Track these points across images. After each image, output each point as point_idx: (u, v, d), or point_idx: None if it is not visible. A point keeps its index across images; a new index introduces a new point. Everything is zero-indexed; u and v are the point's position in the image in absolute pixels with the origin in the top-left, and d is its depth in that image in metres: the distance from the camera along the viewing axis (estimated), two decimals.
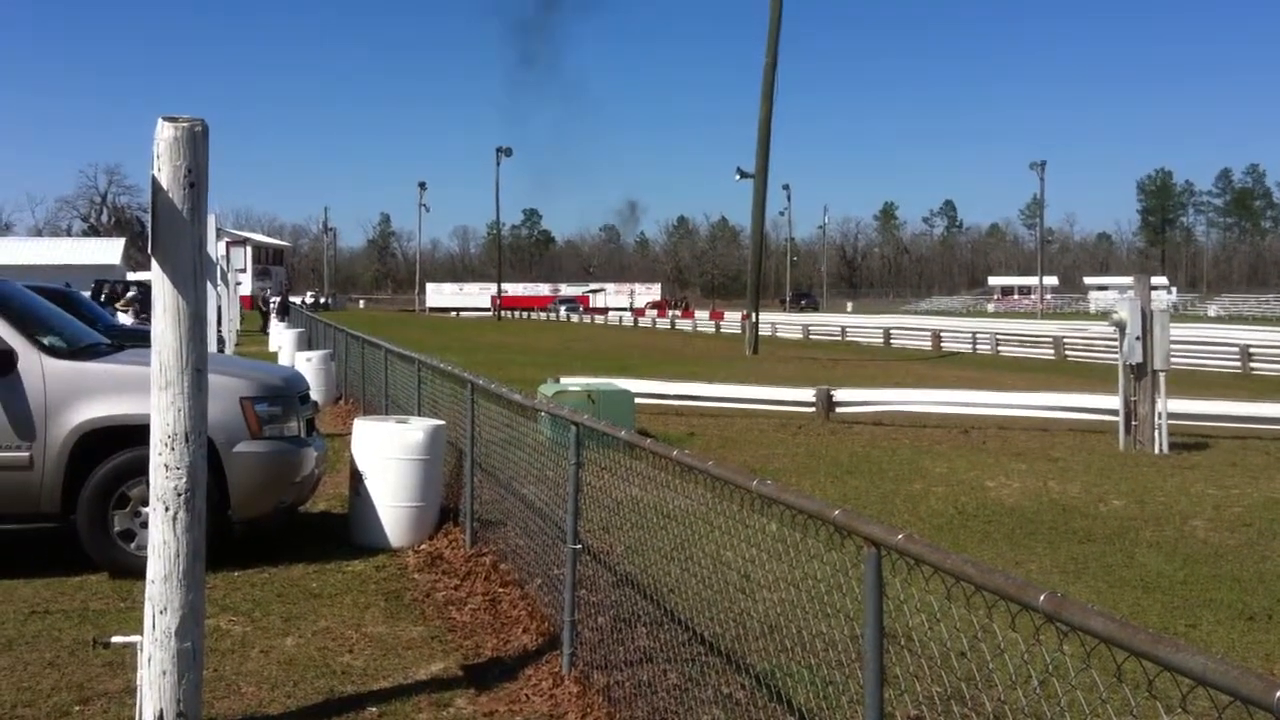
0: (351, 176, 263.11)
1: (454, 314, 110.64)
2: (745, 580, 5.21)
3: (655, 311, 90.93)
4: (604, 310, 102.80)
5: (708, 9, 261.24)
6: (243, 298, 58.34)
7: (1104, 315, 16.86)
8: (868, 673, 3.66)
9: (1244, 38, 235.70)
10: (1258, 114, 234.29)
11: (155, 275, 4.82)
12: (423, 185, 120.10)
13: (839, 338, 53.99)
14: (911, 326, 55.59)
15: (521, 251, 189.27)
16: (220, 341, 22.32)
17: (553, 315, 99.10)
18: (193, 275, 4.83)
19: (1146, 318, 15.31)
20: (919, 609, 3.71)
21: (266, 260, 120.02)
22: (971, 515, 10.91)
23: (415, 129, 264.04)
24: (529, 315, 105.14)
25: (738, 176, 44.36)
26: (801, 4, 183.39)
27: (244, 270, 79.17)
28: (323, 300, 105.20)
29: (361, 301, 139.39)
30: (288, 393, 9.19)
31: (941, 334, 47.10)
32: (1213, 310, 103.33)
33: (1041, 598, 2.91)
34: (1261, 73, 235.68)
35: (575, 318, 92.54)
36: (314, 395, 11.48)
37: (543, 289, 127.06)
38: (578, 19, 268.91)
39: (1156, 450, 14.95)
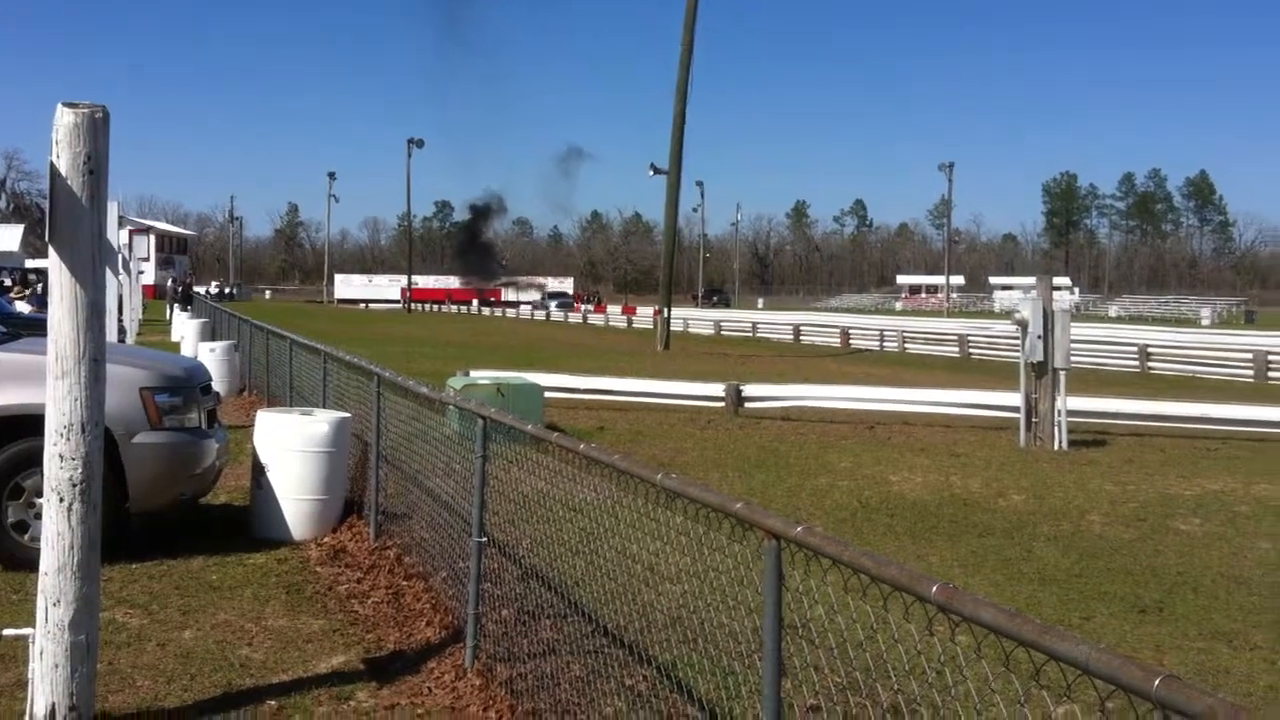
0: (260, 166, 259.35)
1: (363, 306, 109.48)
2: (650, 573, 5.23)
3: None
4: (515, 304, 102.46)
5: (624, 3, 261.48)
6: (145, 287, 57.10)
7: (1008, 314, 17.22)
8: (766, 663, 3.70)
9: (1147, 45, 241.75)
10: (1160, 120, 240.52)
11: (53, 263, 4.73)
12: (332, 175, 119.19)
13: (750, 334, 54.39)
14: (821, 324, 56.21)
15: (433, 243, 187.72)
16: (121, 331, 21.86)
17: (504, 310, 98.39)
18: (91, 263, 4.74)
19: (1048, 317, 15.63)
20: (817, 600, 3.75)
21: (170, 249, 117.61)
22: (875, 509, 11.06)
23: (326, 118, 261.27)
24: (439, 308, 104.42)
25: (651, 172, 44.64)
26: (718, 2, 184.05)
27: (147, 259, 77.43)
28: (227, 290, 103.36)
29: (268, 292, 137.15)
30: (189, 383, 9.03)
31: (850, 331, 47.69)
32: (1114, 310, 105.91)
33: (934, 589, 2.95)
34: (1164, 79, 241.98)
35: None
36: (217, 386, 11.29)
37: (454, 281, 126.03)
38: (492, 9, 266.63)
39: (1056, 446, 15.28)
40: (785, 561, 3.69)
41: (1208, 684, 6.20)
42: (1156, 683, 2.25)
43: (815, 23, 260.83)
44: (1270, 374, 28.59)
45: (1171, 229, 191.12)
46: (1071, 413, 15.77)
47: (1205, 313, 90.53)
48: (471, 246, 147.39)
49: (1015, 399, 16.25)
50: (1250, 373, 29.09)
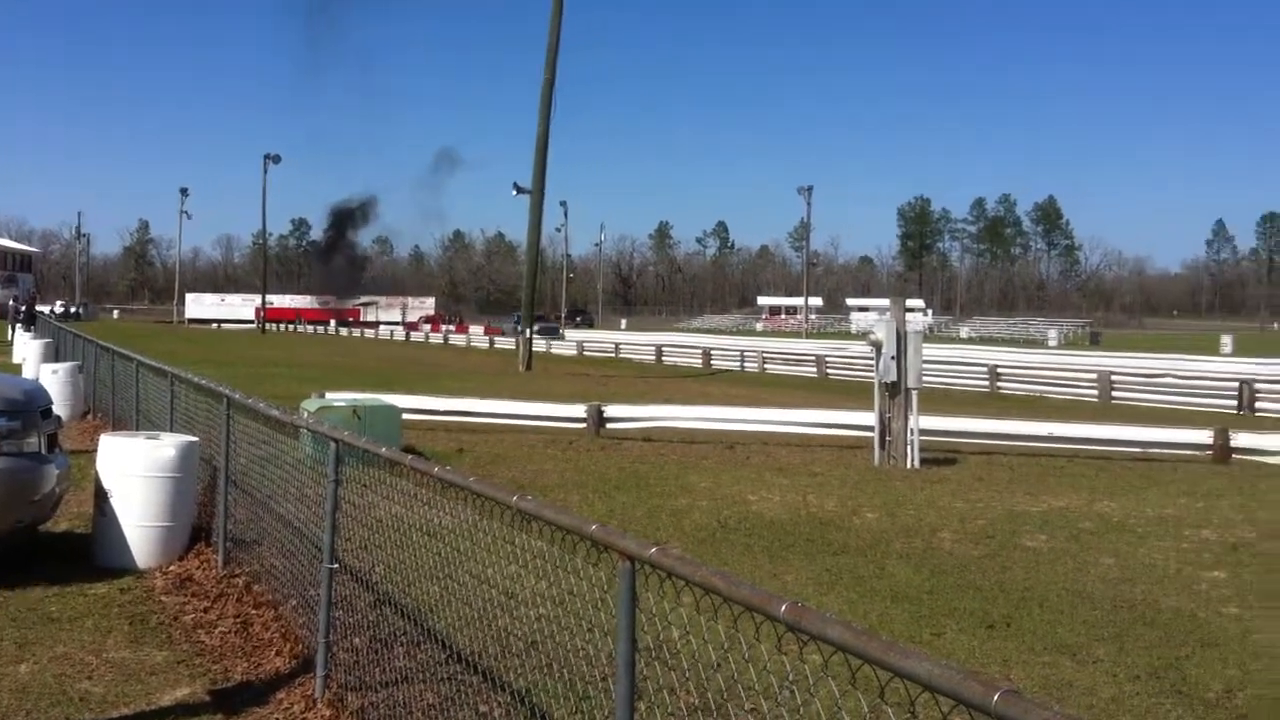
0: (109, 181, 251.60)
1: (215, 326, 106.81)
2: (508, 597, 5.17)
3: (429, 326, 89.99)
4: (375, 324, 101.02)
5: (488, 23, 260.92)
6: None
7: (863, 335, 17.57)
8: (619, 686, 3.68)
9: (998, 73, 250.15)
10: (1009, 146, 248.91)
11: None
12: (184, 191, 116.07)
13: (613, 354, 54.52)
14: (683, 344, 56.63)
15: (290, 262, 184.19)
16: None
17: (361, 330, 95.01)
18: None
19: (901, 338, 15.97)
20: (671, 622, 3.75)
21: (12, 267, 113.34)
22: (734, 529, 11.14)
23: (180, 132, 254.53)
24: (296, 328, 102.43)
25: (514, 192, 44.47)
26: (581, 24, 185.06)
27: None
28: (73, 310, 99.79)
29: (116, 311, 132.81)
30: (28, 407, 8.68)
31: (712, 352, 48.12)
32: (965, 332, 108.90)
33: (783, 608, 2.97)
34: (1014, 108, 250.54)
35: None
36: (59, 409, 10.85)
37: (310, 301, 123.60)
38: (353, 28, 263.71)
39: (909, 465, 15.60)
40: (640, 584, 3.69)
41: (1052, 697, 6.38)
42: (996, 697, 2.29)
43: (679, 45, 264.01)
44: (1114, 394, 29.66)
45: (1020, 252, 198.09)
46: (924, 432, 16.13)
47: (1052, 334, 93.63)
48: (335, 255, 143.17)
49: (870, 418, 16.56)
50: (1095, 392, 30.13)
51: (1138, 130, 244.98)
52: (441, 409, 19.43)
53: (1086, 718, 5.98)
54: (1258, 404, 26.51)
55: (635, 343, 59.34)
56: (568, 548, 4.19)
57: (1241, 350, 62.62)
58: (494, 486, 4.87)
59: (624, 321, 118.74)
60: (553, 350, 56.93)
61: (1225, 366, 39.91)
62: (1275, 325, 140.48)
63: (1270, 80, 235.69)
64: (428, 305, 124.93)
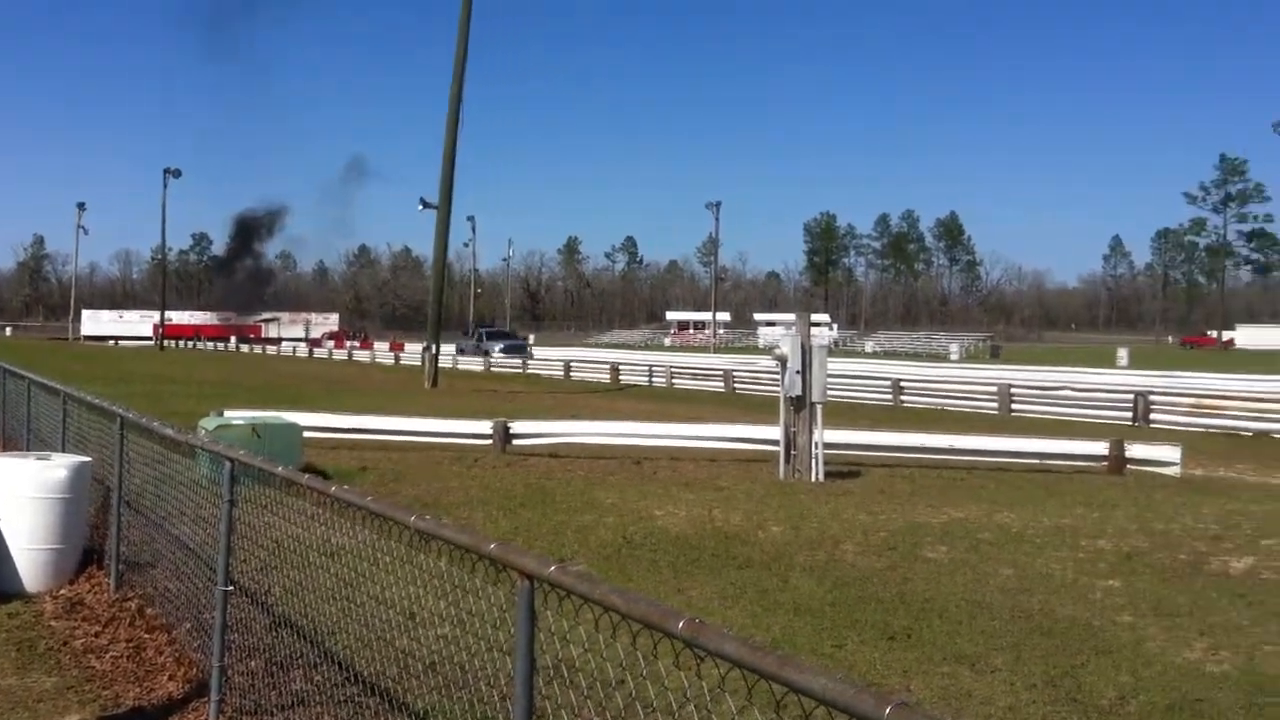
0: (3, 195, 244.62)
1: (112, 343, 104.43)
2: (409, 618, 5.10)
3: (332, 342, 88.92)
4: (277, 341, 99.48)
5: (394, 34, 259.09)
6: None
7: (769, 350, 17.71)
8: (517, 706, 3.66)
9: (901, 90, 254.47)
10: (913, 164, 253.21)
11: None
12: (81, 206, 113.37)
13: (520, 370, 54.28)
14: (592, 359, 56.63)
15: (190, 278, 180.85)
16: None
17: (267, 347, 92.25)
18: None
19: (806, 353, 16.10)
20: (570, 640, 3.72)
21: None
22: (639, 544, 11.13)
23: (77, 145, 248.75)
24: (196, 345, 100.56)
25: (420, 206, 44.08)
26: (489, 38, 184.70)
27: None
28: None
29: (8, 329, 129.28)
30: None
31: (620, 367, 48.14)
32: (870, 346, 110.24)
33: (680, 624, 2.96)
34: (915, 125, 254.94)
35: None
36: None
37: (211, 317, 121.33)
38: (260, 37, 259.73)
39: (813, 478, 15.73)
40: (540, 602, 3.67)
41: (951, 707, 6.46)
42: (888, 710, 2.32)
43: (588, 61, 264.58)
44: (1013, 406, 30.21)
45: (924, 268, 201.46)
46: (828, 445, 16.28)
47: (954, 348, 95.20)
48: (238, 268, 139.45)
49: (776, 433, 16.67)
50: (995, 405, 30.67)
51: (1036, 148, 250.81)
52: (344, 426, 19.18)
53: None
54: (1152, 416, 27.18)
55: (543, 358, 59.14)
56: (468, 567, 4.15)
57: (1137, 363, 64.23)
58: (391, 506, 4.83)
59: (532, 337, 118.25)
60: (460, 366, 56.53)
61: (1121, 379, 40.87)
62: (1170, 338, 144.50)
63: (1160, 100, 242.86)
64: (331, 321, 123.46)
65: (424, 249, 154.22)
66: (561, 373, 50.40)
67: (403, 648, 5.24)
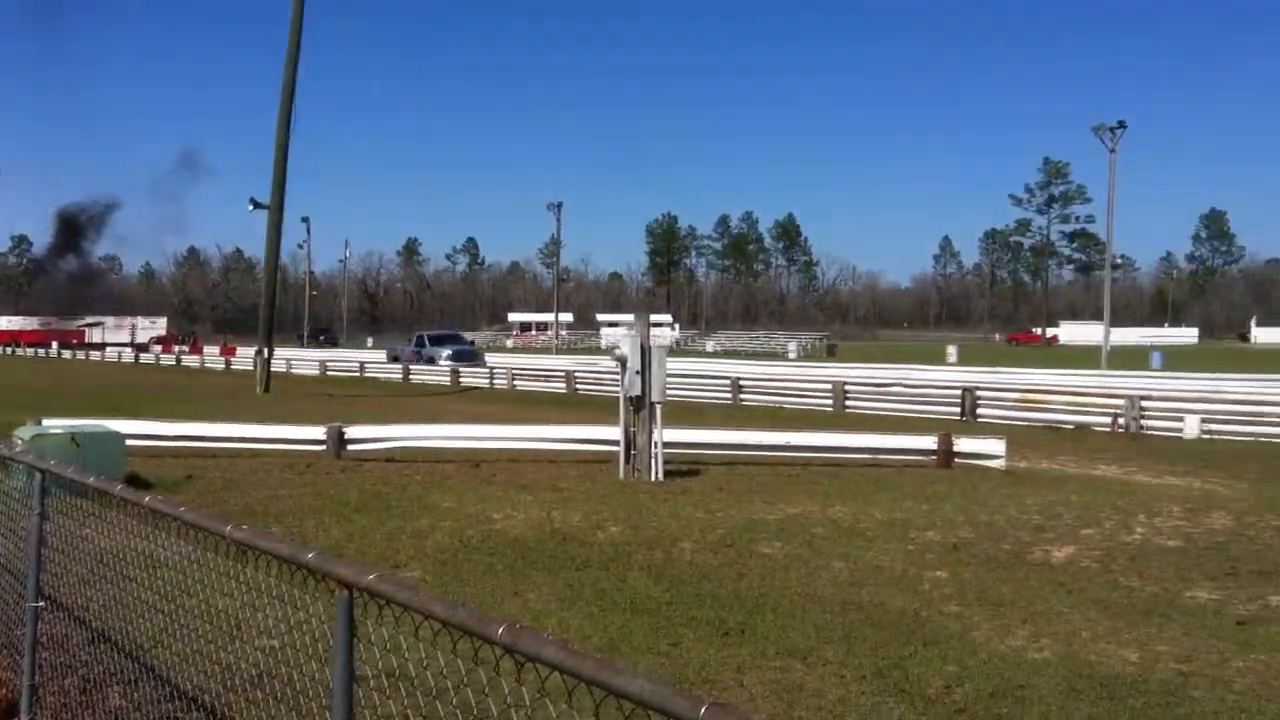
0: None
1: None
2: (236, 629, 4.96)
3: (160, 348, 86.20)
4: (101, 346, 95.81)
5: (222, 25, 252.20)
6: None
7: (609, 351, 17.74)
8: (335, 718, 3.57)
9: (741, 96, 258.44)
10: (752, 166, 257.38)
11: None
12: None
13: (358, 374, 53.35)
14: None
15: (9, 282, 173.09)
16: None
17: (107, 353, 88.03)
18: None
19: (645, 353, 16.17)
20: (390, 650, 3.64)
21: None
22: (476, 548, 11.00)
23: None
24: (15, 351, 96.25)
25: (251, 207, 42.93)
26: (324, 32, 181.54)
27: None
28: None
29: None
30: None
31: (460, 369, 47.65)
32: (710, 346, 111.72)
33: (500, 630, 2.93)
34: (755, 128, 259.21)
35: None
36: None
37: (32, 322, 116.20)
38: (83, 27, 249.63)
39: (653, 477, 15.80)
40: (359, 611, 3.61)
41: (783, 701, 6.53)
42: (702, 710, 2.33)
43: (425, 61, 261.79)
44: (848, 403, 30.91)
45: (763, 268, 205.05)
46: (668, 444, 16.38)
47: (792, 347, 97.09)
48: (60, 268, 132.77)
49: (616, 433, 16.70)
50: (830, 402, 31.34)
51: (870, 153, 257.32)
52: (170, 434, 18.52)
53: None
54: (979, 410, 28.14)
55: (381, 361, 58.22)
56: (292, 578, 4.05)
57: (966, 360, 66.60)
58: (207, 516, 4.69)
59: (370, 340, 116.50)
60: (294, 371, 55.31)
61: (950, 375, 42.24)
62: (997, 336, 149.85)
63: (987, 105, 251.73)
64: (159, 325, 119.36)
65: (256, 251, 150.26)
66: (400, 376, 49.66)
67: (227, 661, 5.09)
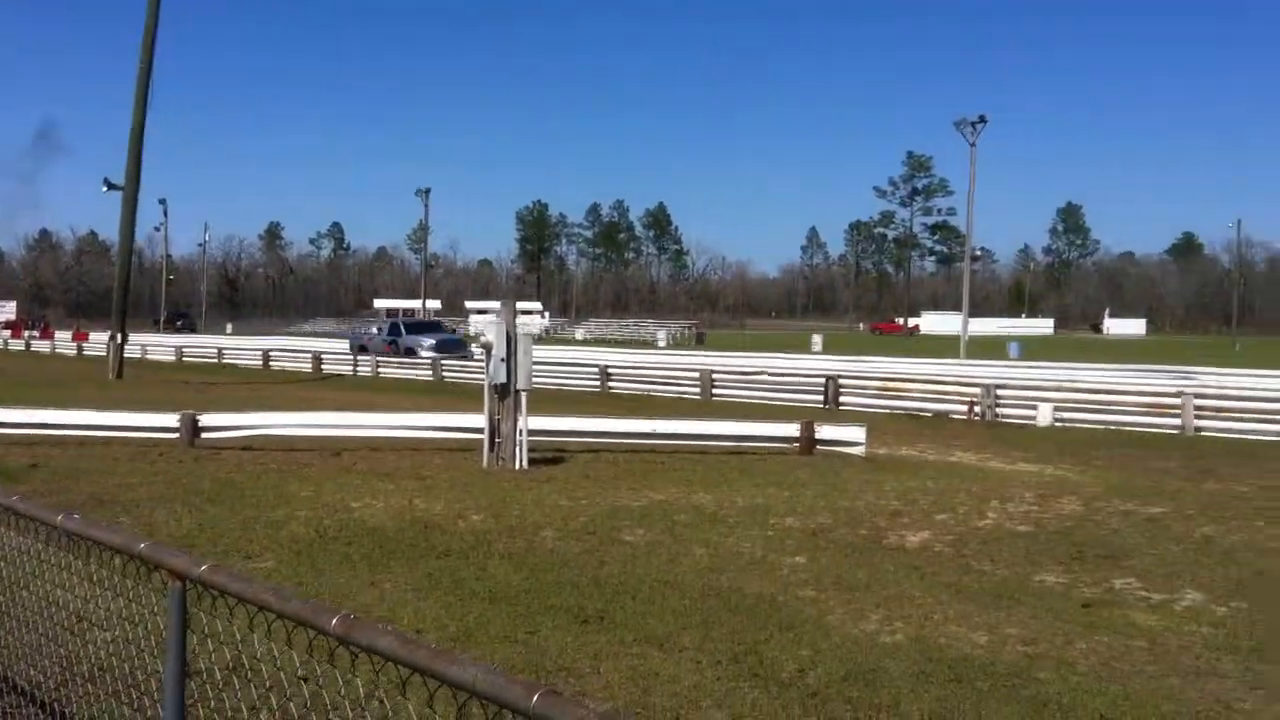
0: None
1: None
2: (79, 620, 4.82)
3: (9, 332, 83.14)
4: None
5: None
6: None
7: (475, 338, 17.61)
8: (168, 711, 3.51)
9: (611, 83, 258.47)
10: (623, 155, 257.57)
11: None
12: None
13: (216, 360, 52.08)
14: (293, 348, 54.75)
15: None
16: None
17: None
18: None
19: (511, 340, 16.03)
20: (224, 642, 3.54)
21: None
22: (333, 538, 10.79)
23: None
24: None
25: (105, 188, 41.51)
26: (185, 8, 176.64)
27: None
28: None
29: None
30: None
31: (323, 356, 46.81)
32: (580, 333, 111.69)
33: (334, 621, 2.89)
34: (627, 116, 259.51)
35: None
36: None
37: None
38: None
39: (517, 466, 15.70)
40: (195, 602, 3.52)
41: (638, 687, 6.53)
42: (535, 699, 2.33)
43: (288, 42, 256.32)
44: (715, 391, 31.18)
45: (634, 257, 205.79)
46: (534, 432, 16.29)
47: (662, 335, 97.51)
48: None
49: (481, 421, 16.55)
50: (698, 390, 31.58)
51: (739, 144, 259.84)
52: (14, 421, 17.83)
53: (622, 711, 6.15)
54: (842, 398, 28.64)
55: (241, 347, 56.86)
56: (126, 569, 3.94)
57: (830, 348, 67.80)
58: (37, 505, 4.56)
59: (230, 326, 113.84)
60: (149, 356, 53.81)
61: (815, 364, 42.94)
62: (861, 325, 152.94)
63: (853, 99, 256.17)
64: (8, 309, 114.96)
65: (111, 233, 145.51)
66: (260, 363, 48.60)
67: (69, 652, 4.95)
